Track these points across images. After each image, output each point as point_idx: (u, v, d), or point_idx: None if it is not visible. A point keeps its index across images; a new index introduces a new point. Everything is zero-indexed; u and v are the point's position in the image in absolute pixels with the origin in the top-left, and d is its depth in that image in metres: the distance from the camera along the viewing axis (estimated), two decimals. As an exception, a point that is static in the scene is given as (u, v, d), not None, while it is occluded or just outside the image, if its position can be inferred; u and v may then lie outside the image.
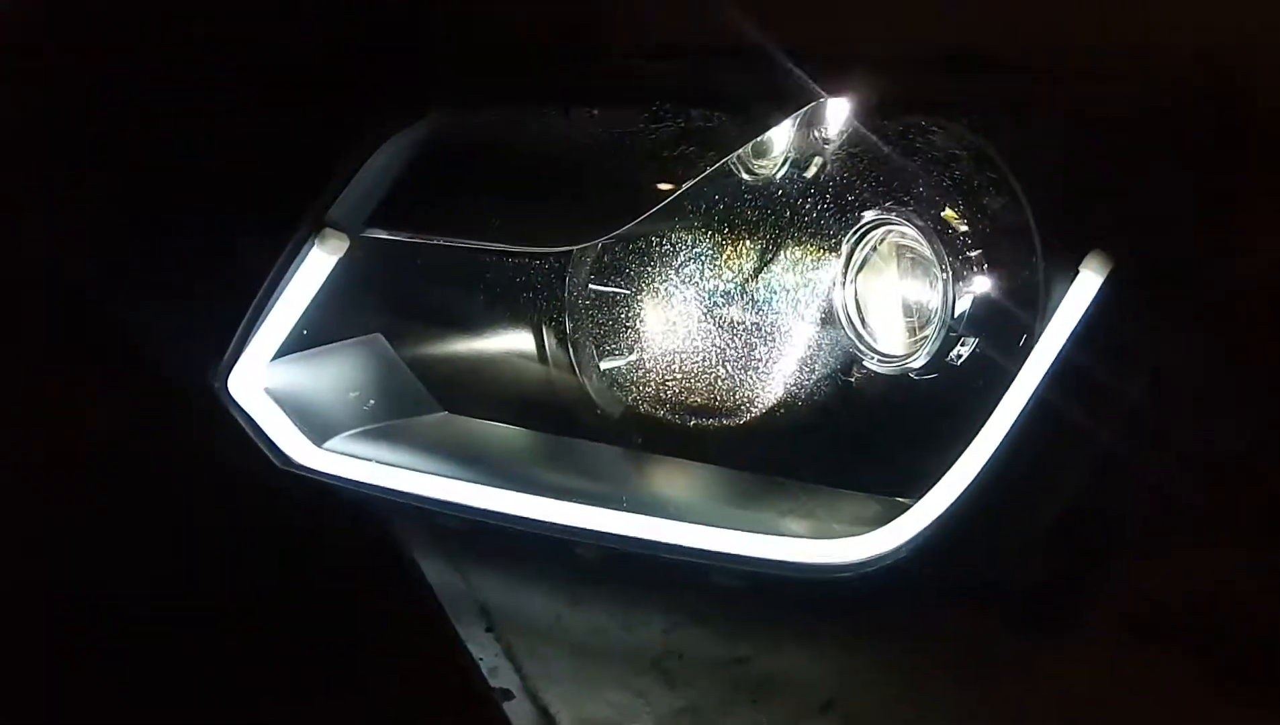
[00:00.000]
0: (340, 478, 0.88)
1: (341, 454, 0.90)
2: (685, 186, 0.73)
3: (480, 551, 0.84)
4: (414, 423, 0.93)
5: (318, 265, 0.88)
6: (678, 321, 0.89)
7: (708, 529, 0.75)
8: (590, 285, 0.99)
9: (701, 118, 0.73)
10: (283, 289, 0.89)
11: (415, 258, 0.98)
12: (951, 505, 0.66)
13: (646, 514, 0.78)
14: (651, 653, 0.73)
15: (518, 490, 0.84)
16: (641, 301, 0.97)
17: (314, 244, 0.87)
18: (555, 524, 0.79)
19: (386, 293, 0.98)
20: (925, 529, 0.67)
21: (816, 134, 0.78)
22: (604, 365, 1.00)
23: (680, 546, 0.75)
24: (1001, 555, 0.65)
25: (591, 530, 0.79)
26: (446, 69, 0.83)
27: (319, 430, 0.92)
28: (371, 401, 0.95)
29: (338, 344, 0.97)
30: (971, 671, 0.64)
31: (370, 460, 0.89)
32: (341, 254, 0.88)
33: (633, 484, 0.84)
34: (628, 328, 0.99)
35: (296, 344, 0.93)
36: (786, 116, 0.73)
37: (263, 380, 0.92)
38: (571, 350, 1.00)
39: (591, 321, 0.99)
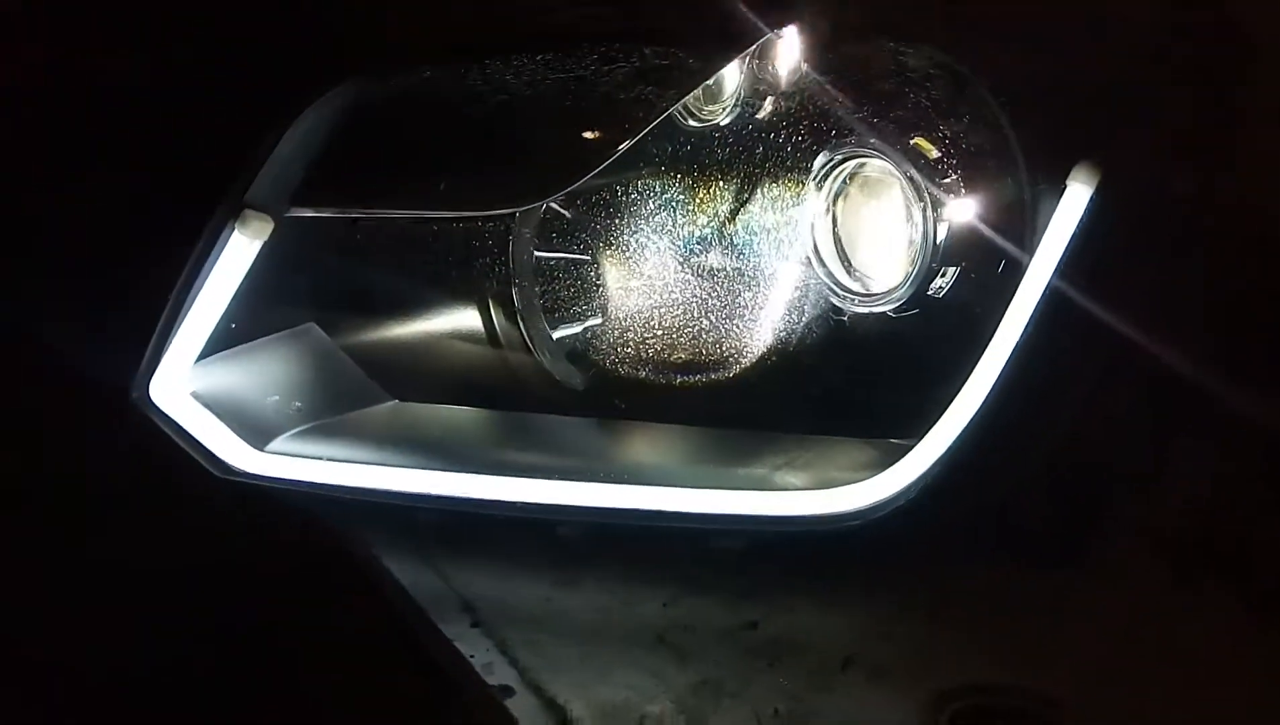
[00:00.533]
0: (288, 481, 0.81)
1: (286, 455, 0.82)
2: (648, 128, 0.68)
3: (453, 543, 0.78)
4: (362, 415, 0.86)
5: (240, 252, 0.80)
6: (636, 281, 0.84)
7: (699, 492, 0.71)
8: (535, 251, 0.94)
9: (656, 56, 0.68)
10: (203, 281, 0.80)
11: (345, 236, 0.90)
12: (955, 441, 0.63)
13: (631, 483, 0.74)
14: (656, 628, 0.69)
15: (486, 473, 0.79)
16: (595, 264, 0.92)
17: (234, 228, 0.79)
18: (533, 504, 0.74)
19: (316, 277, 0.90)
20: (930, 468, 0.64)
21: (768, 70, 0.74)
22: (557, 334, 0.95)
23: (672, 513, 0.71)
24: (1013, 489, 0.63)
25: (574, 507, 0.74)
26: (364, 27, 0.76)
27: (258, 433, 0.84)
28: (312, 397, 0.87)
29: (268, 338, 0.89)
30: (995, 612, 0.63)
31: (319, 458, 0.82)
32: (265, 237, 0.80)
33: (609, 454, 0.80)
34: (581, 293, 0.94)
35: (223, 341, 0.85)
36: (745, 48, 0.68)
37: (189, 384, 0.84)
38: (521, 322, 0.95)
39: (540, 289, 0.94)
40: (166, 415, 0.83)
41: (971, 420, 0.63)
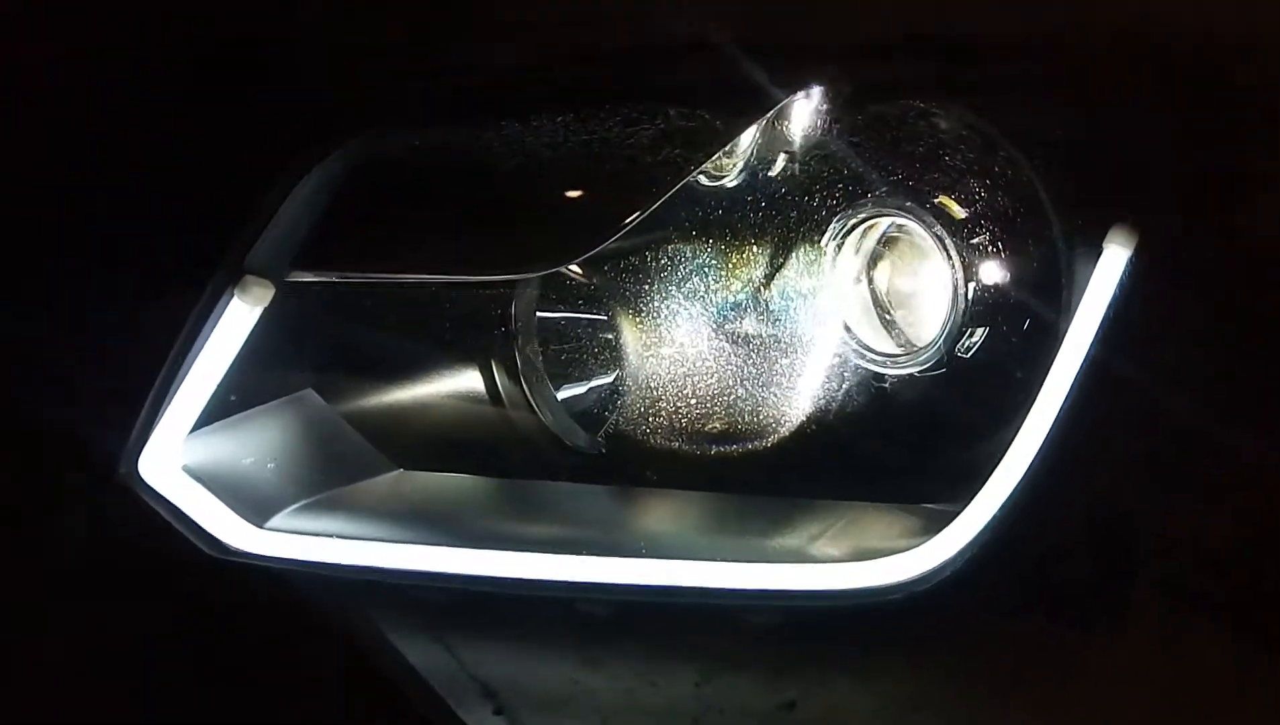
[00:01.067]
0: (291, 560, 0.77)
1: (288, 532, 0.78)
2: (671, 191, 0.66)
3: (468, 624, 0.74)
4: (366, 486, 0.82)
5: (239, 319, 0.76)
6: (656, 345, 0.82)
7: (732, 566, 0.68)
8: (538, 312, 0.91)
9: (681, 117, 0.67)
10: (199, 349, 0.76)
11: (342, 298, 0.87)
12: (1000, 509, 0.62)
13: (658, 557, 0.71)
14: (689, 710, 0.66)
15: (503, 548, 0.75)
16: (606, 325, 0.89)
17: (234, 295, 0.75)
18: (556, 582, 0.71)
19: (313, 341, 0.87)
20: (975, 538, 0.62)
21: (788, 129, 0.73)
22: (561, 395, 0.92)
23: (703, 589, 0.68)
24: (1057, 557, 0.61)
25: (599, 584, 0.71)
26: (373, 85, 0.73)
27: (257, 509, 0.79)
28: (313, 468, 0.83)
29: (264, 407, 0.85)
30: (1041, 680, 0.60)
31: (323, 535, 0.78)
32: (266, 303, 0.76)
33: (632, 525, 0.77)
34: (588, 354, 0.92)
35: (217, 412, 0.81)
36: (770, 108, 0.67)
37: (180, 458, 0.80)
38: (525, 384, 0.92)
39: (544, 350, 0.91)
40: (157, 492, 0.78)
41: (1016, 487, 0.61)
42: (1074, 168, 0.62)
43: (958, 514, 0.64)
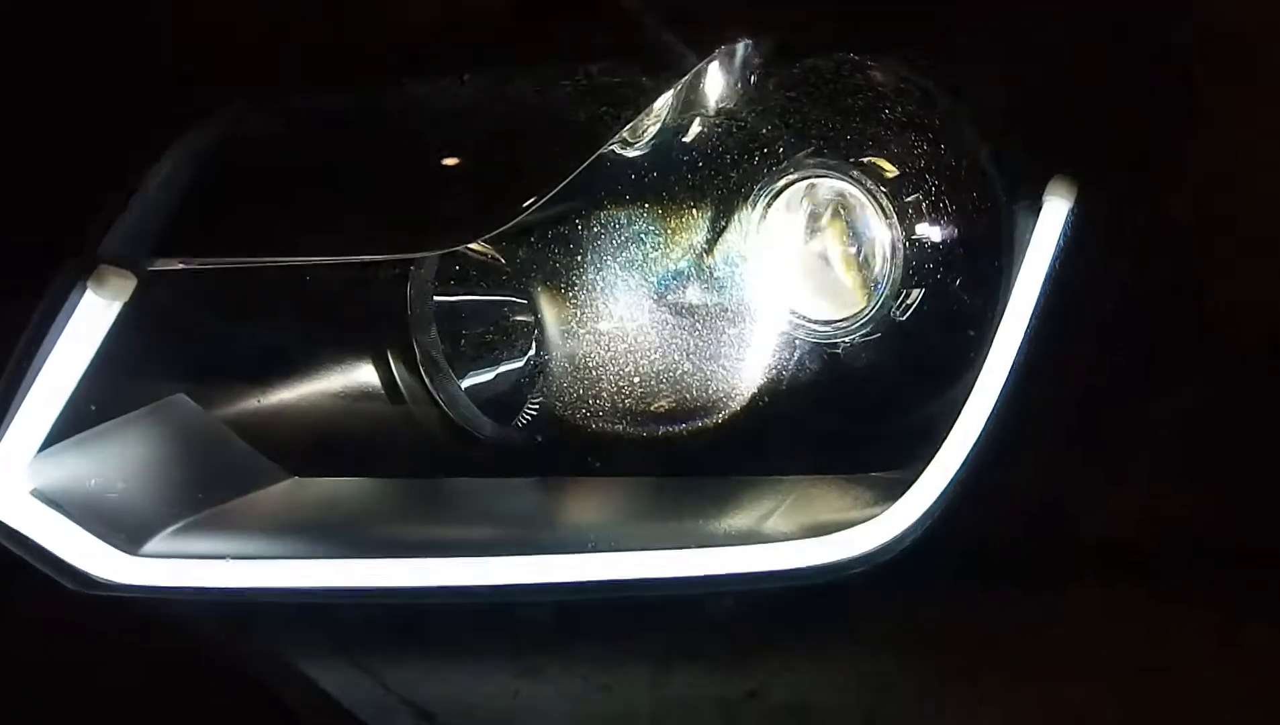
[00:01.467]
0: (174, 589, 0.67)
1: (167, 557, 0.68)
2: (597, 153, 0.61)
3: (390, 642, 0.67)
4: (255, 499, 0.73)
5: (95, 316, 0.65)
6: (570, 324, 0.76)
7: (681, 553, 0.64)
8: (435, 296, 0.84)
9: (604, 74, 0.61)
10: (45, 354, 0.65)
11: (214, 291, 0.77)
12: (957, 473, 0.60)
13: (598, 550, 0.66)
14: (646, 711, 0.61)
15: (422, 555, 0.68)
16: (512, 306, 0.83)
17: (86, 287, 0.65)
18: (485, 587, 0.64)
19: (179, 340, 0.76)
20: (933, 505, 0.60)
21: (703, 87, 0.69)
22: (466, 384, 0.85)
23: (653, 579, 0.63)
24: (1017, 520, 0.61)
25: (533, 584, 0.65)
26: (248, 45, 0.64)
27: (128, 533, 0.69)
28: (190, 481, 0.73)
29: (126, 417, 0.74)
30: (1011, 650, 0.59)
31: (209, 557, 0.68)
32: (127, 297, 0.66)
33: (561, 519, 0.71)
34: (490, 339, 0.85)
35: (68, 427, 0.70)
36: (698, 64, 0.63)
37: (27, 482, 0.68)
38: (426, 375, 0.84)
39: (445, 336, 0.84)
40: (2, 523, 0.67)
41: (972, 449, 0.60)
42: (1012, 120, 0.61)
43: (910, 481, 0.62)
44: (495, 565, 0.66)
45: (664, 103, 0.72)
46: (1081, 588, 0.59)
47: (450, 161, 0.61)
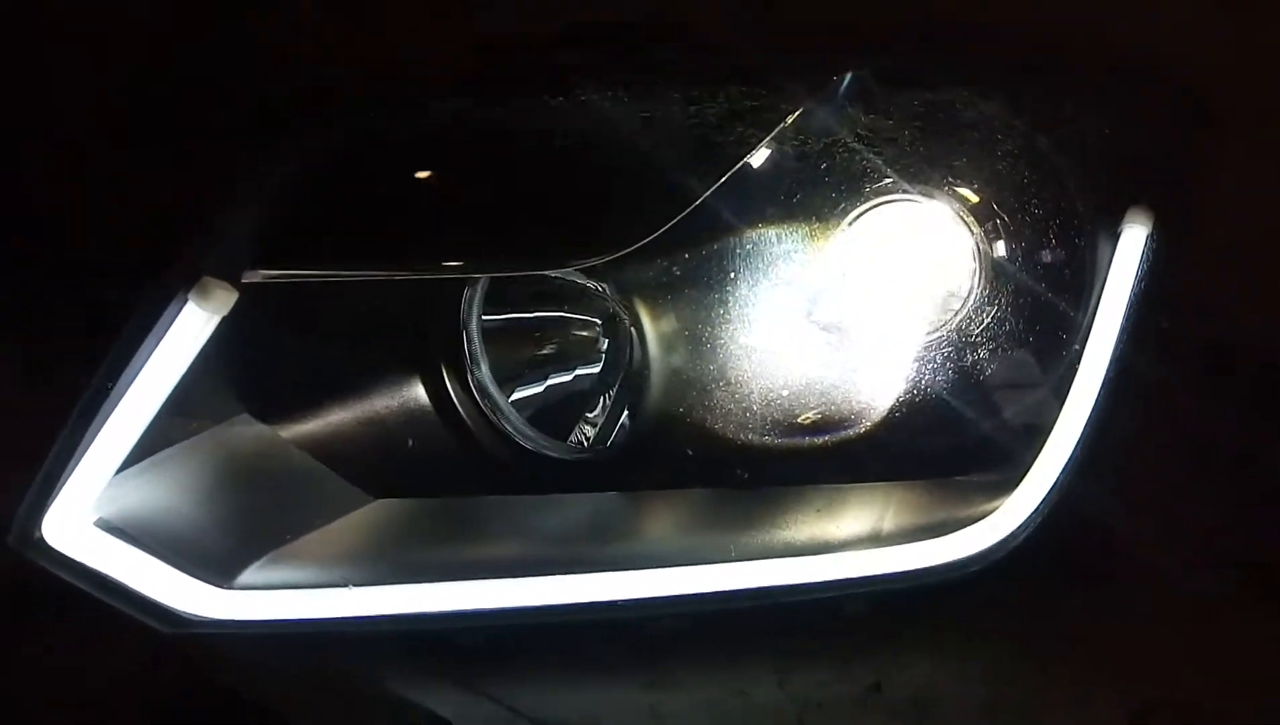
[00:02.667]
0: (278, 622, 0.62)
1: (267, 589, 0.63)
2: (738, 166, 0.62)
3: (510, 664, 0.65)
4: (345, 524, 0.69)
5: (194, 328, 0.60)
6: (664, 337, 0.76)
7: (806, 560, 0.66)
8: (484, 314, 0.82)
9: (743, 96, 0.63)
10: (136, 368, 0.59)
11: (272, 308, 0.72)
12: (1060, 475, 0.65)
13: (718, 561, 0.67)
14: (786, 711, 0.62)
15: (536, 574, 0.66)
16: (586, 324, 0.82)
17: (187, 300, 0.59)
18: (621, 603, 0.64)
19: (246, 356, 0.71)
20: (1039, 506, 0.65)
21: (819, 113, 0.71)
22: (514, 396, 0.83)
23: (785, 587, 0.65)
24: (1121, 515, 0.66)
25: (661, 598, 0.65)
26: (367, 52, 0.61)
27: (215, 566, 0.64)
28: (269, 506, 0.68)
29: (192, 440, 0.68)
30: (1120, 641, 0.64)
31: (316, 586, 0.64)
32: (227, 311, 0.61)
33: (667, 534, 0.71)
34: (548, 356, 0.84)
35: (136, 451, 0.64)
36: (823, 88, 0.65)
37: (95, 514, 0.61)
38: (479, 394, 0.82)
39: (495, 355, 0.82)
40: (73, 561, 0.60)
41: (1074, 452, 0.65)
42: (1094, 152, 0.67)
43: (1010, 483, 0.67)
44: (618, 581, 0.66)
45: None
46: (1186, 585, 0.64)
47: (596, 178, 0.61)
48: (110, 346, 0.59)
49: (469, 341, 0.81)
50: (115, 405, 0.60)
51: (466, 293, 0.81)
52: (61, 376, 0.59)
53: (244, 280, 0.62)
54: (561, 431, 0.83)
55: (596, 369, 0.86)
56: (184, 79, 0.60)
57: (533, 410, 0.83)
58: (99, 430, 0.60)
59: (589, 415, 0.86)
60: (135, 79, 0.59)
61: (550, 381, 0.86)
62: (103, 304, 0.58)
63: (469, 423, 0.80)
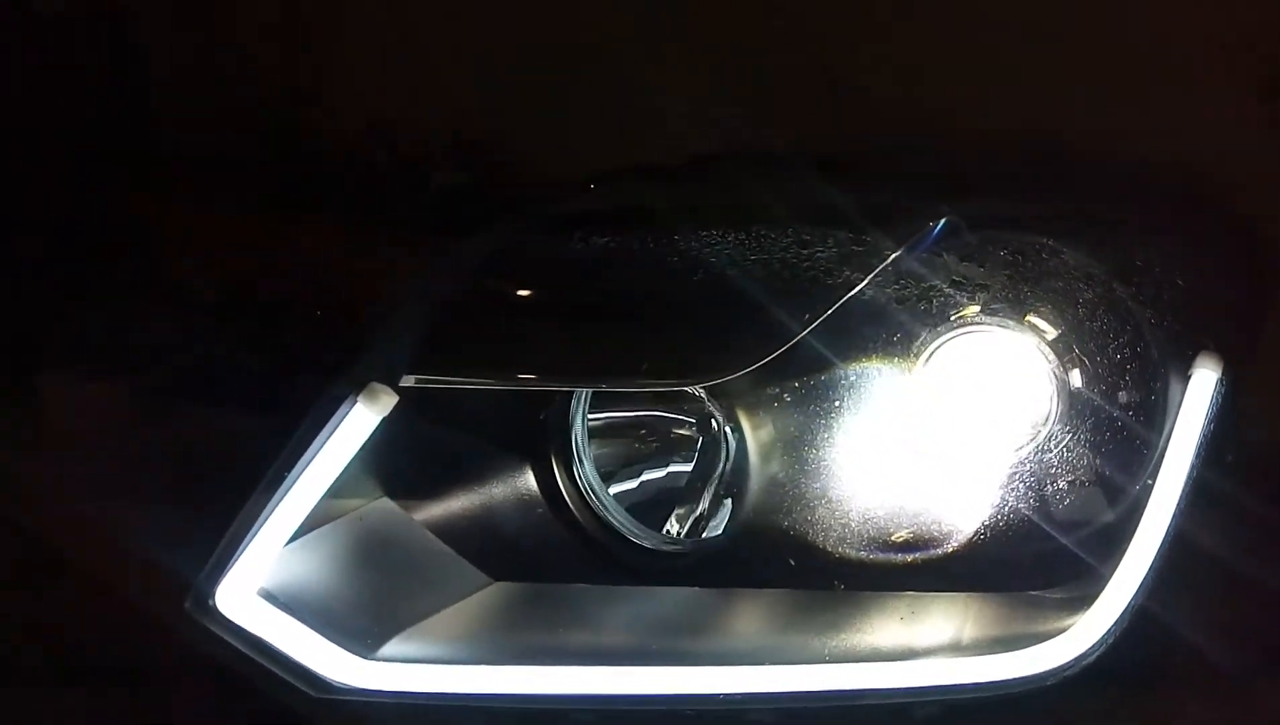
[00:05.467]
0: (415, 694, 0.69)
1: (406, 662, 0.70)
2: (839, 304, 0.70)
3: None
4: (470, 604, 0.76)
5: (360, 426, 0.69)
6: (756, 440, 0.83)
7: (893, 665, 0.71)
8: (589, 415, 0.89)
9: (850, 241, 0.71)
10: (306, 461, 0.68)
11: (414, 404, 0.80)
12: (1137, 593, 0.70)
13: (815, 662, 0.72)
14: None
15: (645, 664, 0.73)
16: (678, 423, 0.90)
17: (356, 402, 0.68)
18: (724, 696, 0.70)
19: (383, 447, 0.79)
20: (1116, 622, 0.71)
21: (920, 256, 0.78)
22: (613, 489, 0.90)
23: (868, 690, 0.70)
24: (1193, 634, 0.71)
25: (763, 694, 0.71)
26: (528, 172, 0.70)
27: (357, 636, 0.71)
28: (401, 584, 0.76)
29: (339, 521, 0.76)
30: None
31: (448, 662, 0.71)
32: (388, 412, 0.70)
33: (766, 632, 0.77)
34: (651, 454, 0.91)
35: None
36: (924, 233, 0.73)
37: (259, 585, 0.69)
38: (585, 486, 0.89)
39: (602, 451, 0.90)
40: (239, 627, 0.68)
41: (1147, 573, 0.70)
42: (1169, 300, 0.74)
43: (1085, 599, 0.73)
44: (711, 675, 0.72)
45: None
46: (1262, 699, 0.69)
47: (720, 307, 0.69)
48: (290, 437, 0.67)
49: (575, 436, 0.88)
50: (289, 489, 0.69)
51: (577, 392, 0.89)
52: (245, 461, 0.67)
53: (401, 385, 0.72)
54: (655, 523, 0.91)
55: (689, 467, 0.93)
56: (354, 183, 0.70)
57: (630, 502, 0.90)
58: (274, 511, 0.68)
59: (680, 510, 0.93)
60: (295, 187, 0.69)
61: (645, 476, 0.93)
62: (289, 399, 0.67)
63: (574, 511, 0.88)
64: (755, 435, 0.81)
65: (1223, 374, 0.73)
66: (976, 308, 0.79)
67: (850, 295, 0.70)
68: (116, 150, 0.73)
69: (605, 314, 0.71)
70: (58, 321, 0.67)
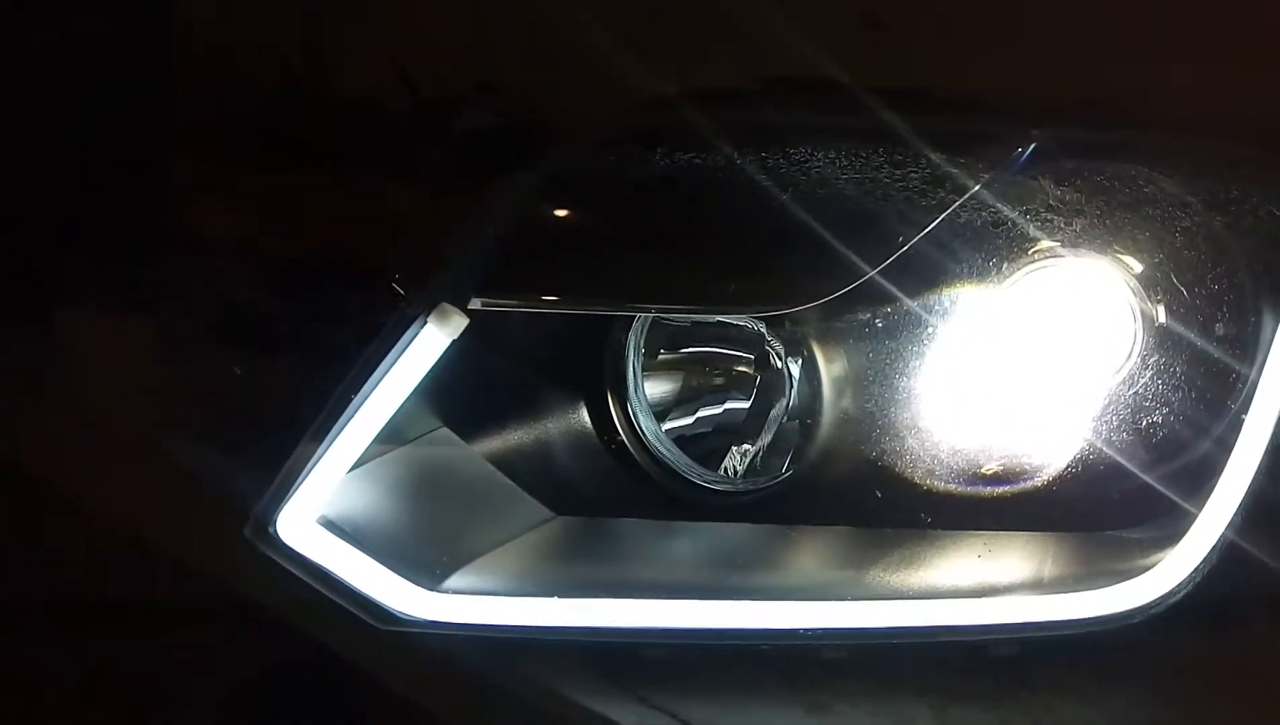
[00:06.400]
0: (480, 626, 0.67)
1: (471, 593, 0.68)
2: (931, 227, 0.67)
3: (683, 681, 0.69)
4: (533, 537, 0.73)
5: (430, 348, 0.66)
6: (830, 374, 0.80)
7: (971, 602, 0.70)
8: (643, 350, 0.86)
9: (944, 162, 0.68)
10: (375, 381, 0.65)
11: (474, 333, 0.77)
12: (1222, 535, 0.69)
13: (883, 596, 0.71)
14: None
15: (713, 598, 0.70)
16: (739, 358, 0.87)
17: (426, 323, 0.65)
18: (791, 630, 0.68)
19: (443, 376, 0.76)
20: (1202, 562, 0.69)
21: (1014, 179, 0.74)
22: (668, 426, 0.88)
23: (944, 628, 0.69)
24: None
25: (833, 629, 0.69)
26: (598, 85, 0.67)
27: (422, 569, 0.69)
28: (466, 516, 0.73)
29: (401, 450, 0.73)
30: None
31: (513, 594, 0.68)
32: (458, 335, 0.67)
33: (837, 567, 0.75)
34: (708, 389, 0.89)
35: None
36: (1009, 157, 0.70)
37: (323, 513, 0.67)
38: (637, 420, 0.87)
39: (657, 385, 0.87)
40: (302, 557, 0.65)
41: (1239, 507, 0.69)
42: (1266, 233, 0.71)
43: (1168, 537, 0.71)
44: (787, 610, 0.70)
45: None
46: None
47: (813, 227, 0.66)
48: (358, 358, 0.64)
49: (630, 371, 0.86)
50: (355, 413, 0.66)
51: (635, 324, 0.86)
52: (312, 382, 0.64)
53: (469, 307, 0.69)
54: (712, 462, 0.88)
55: (746, 404, 0.91)
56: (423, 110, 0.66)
57: (687, 439, 0.88)
58: (339, 435, 0.65)
59: (739, 448, 0.90)
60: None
61: (702, 413, 0.91)
62: (356, 318, 0.64)
63: (629, 447, 0.85)
64: (829, 368, 0.78)
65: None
66: (1066, 236, 0.76)
67: (943, 217, 0.68)
68: (145, 104, 0.69)
69: (676, 238, 0.68)
70: (105, 264, 0.63)
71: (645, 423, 0.87)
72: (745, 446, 0.91)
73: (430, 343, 0.65)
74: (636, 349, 0.87)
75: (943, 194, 0.68)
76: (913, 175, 0.68)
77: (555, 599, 0.69)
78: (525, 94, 0.69)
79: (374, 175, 0.65)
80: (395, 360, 0.65)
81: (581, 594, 0.70)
